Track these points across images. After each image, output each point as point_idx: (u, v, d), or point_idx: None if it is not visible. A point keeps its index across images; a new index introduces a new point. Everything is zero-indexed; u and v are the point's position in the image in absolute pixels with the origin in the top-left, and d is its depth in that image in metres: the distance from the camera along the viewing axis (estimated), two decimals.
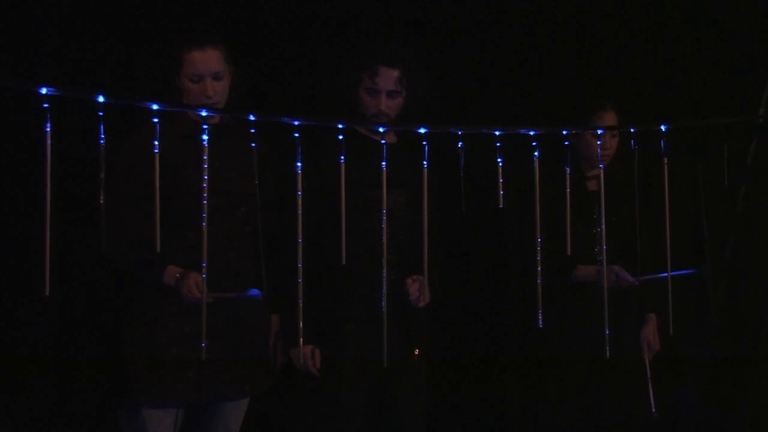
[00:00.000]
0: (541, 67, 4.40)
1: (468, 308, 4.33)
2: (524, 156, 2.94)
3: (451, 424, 4.35)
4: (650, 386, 3.84)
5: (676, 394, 4.26)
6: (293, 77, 4.14)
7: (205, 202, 2.74)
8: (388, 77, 3.45)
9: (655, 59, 4.44)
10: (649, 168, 3.39)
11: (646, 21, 4.42)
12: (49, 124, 2.34)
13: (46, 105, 2.33)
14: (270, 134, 3.26)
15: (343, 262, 2.82)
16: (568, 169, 3.00)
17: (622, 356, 3.77)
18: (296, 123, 2.68)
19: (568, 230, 3.02)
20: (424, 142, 2.81)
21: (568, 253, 3.05)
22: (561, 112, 4.12)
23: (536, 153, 2.90)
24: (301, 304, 2.85)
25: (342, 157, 2.74)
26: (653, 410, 3.82)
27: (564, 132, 3.01)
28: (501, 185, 2.86)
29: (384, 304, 2.99)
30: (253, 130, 2.73)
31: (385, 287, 3.04)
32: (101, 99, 2.42)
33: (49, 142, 2.35)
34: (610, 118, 3.80)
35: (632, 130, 3.12)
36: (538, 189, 2.94)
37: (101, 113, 2.43)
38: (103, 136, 2.44)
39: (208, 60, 3.26)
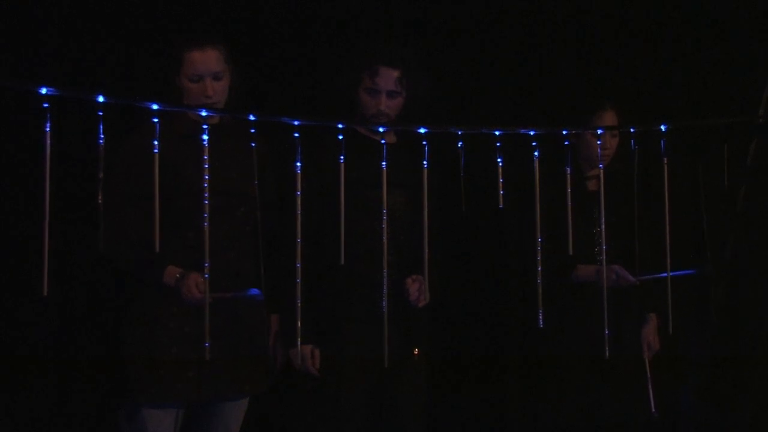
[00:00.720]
0: (541, 67, 4.40)
1: (468, 308, 4.33)
2: (524, 156, 2.94)
3: (451, 424, 4.35)
4: (650, 386, 3.85)
5: (676, 394, 4.26)
6: (293, 77, 4.14)
7: (205, 202, 2.74)
8: (388, 77, 3.45)
9: (655, 59, 4.44)
10: (649, 168, 3.39)
11: (646, 21, 4.42)
12: (49, 124, 2.34)
13: (46, 105, 2.33)
14: (270, 134, 3.26)
15: (343, 262, 2.82)
16: (568, 169, 3.00)
17: (622, 356, 3.77)
18: (296, 123, 2.68)
19: (570, 230, 3.02)
20: (424, 142, 2.81)
21: (570, 252, 3.05)
22: (561, 112, 4.12)
23: (536, 153, 2.90)
24: (300, 304, 2.85)
25: (342, 157, 2.74)
26: (653, 410, 3.82)
27: (564, 132, 3.01)
28: (501, 185, 2.86)
29: (384, 304, 2.99)
30: (253, 130, 2.73)
31: (385, 287, 3.04)
32: (101, 99, 2.42)
33: (49, 142, 2.35)
34: (610, 118, 3.80)
35: (632, 130, 3.12)
36: (538, 189, 2.94)
37: (101, 113, 2.43)
38: (102, 136, 2.44)
39: (208, 60, 3.26)
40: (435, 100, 3.62)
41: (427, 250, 2.92)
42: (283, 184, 3.36)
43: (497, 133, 2.85)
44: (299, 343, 3.08)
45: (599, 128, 3.62)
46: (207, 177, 2.69)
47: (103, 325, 3.78)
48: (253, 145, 2.89)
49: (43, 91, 2.32)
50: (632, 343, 3.87)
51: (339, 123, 2.75)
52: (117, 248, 3.20)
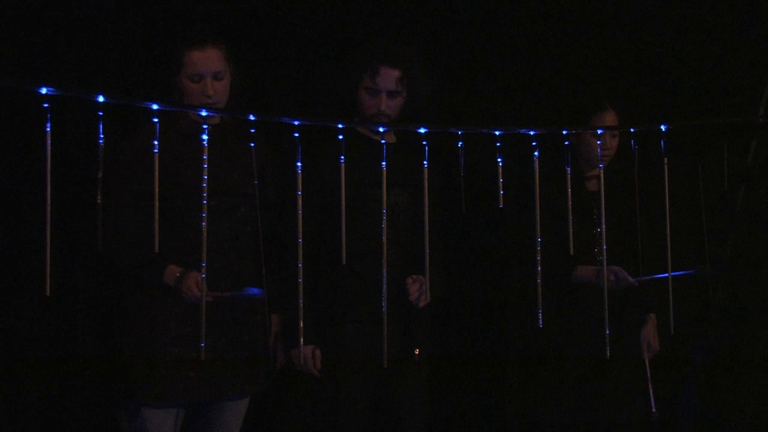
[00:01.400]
0: (541, 67, 4.40)
1: (468, 308, 4.33)
2: (524, 156, 2.94)
3: (451, 424, 4.35)
4: (650, 386, 3.85)
5: (676, 394, 4.26)
6: (293, 77, 4.14)
7: (205, 202, 2.74)
8: (389, 77, 3.45)
9: (655, 59, 4.44)
10: (649, 168, 3.39)
11: (646, 21, 4.42)
12: (49, 124, 2.34)
13: (46, 105, 2.33)
14: (270, 134, 3.26)
15: (343, 262, 2.82)
16: (568, 169, 3.00)
17: (622, 356, 3.77)
18: (296, 123, 2.68)
19: (570, 230, 3.02)
20: (424, 142, 2.81)
21: (571, 252, 3.05)
22: (561, 112, 4.12)
23: (536, 153, 2.90)
24: (301, 304, 2.85)
25: (342, 157, 2.74)
26: (653, 410, 3.82)
27: (564, 132, 3.01)
28: (501, 185, 2.86)
29: (384, 304, 2.99)
30: (253, 130, 2.73)
31: (385, 287, 3.04)
32: (101, 99, 2.42)
33: (49, 142, 2.35)
34: (610, 118, 3.81)
35: (632, 130, 3.12)
36: (538, 189, 2.94)
37: (101, 113, 2.43)
38: (102, 136, 2.44)
39: (208, 59, 3.26)
40: (435, 100, 3.62)
41: (427, 250, 2.92)
42: (283, 184, 3.36)
43: (497, 133, 2.85)
44: (301, 343, 3.08)
45: (599, 128, 3.62)
46: (207, 177, 2.69)
47: (103, 325, 3.78)
48: (253, 145, 2.89)
49: (43, 91, 2.32)
50: (632, 344, 3.87)
51: (339, 123, 2.75)
52: (117, 248, 3.20)
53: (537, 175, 2.92)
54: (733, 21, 4.39)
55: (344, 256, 2.80)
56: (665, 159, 3.03)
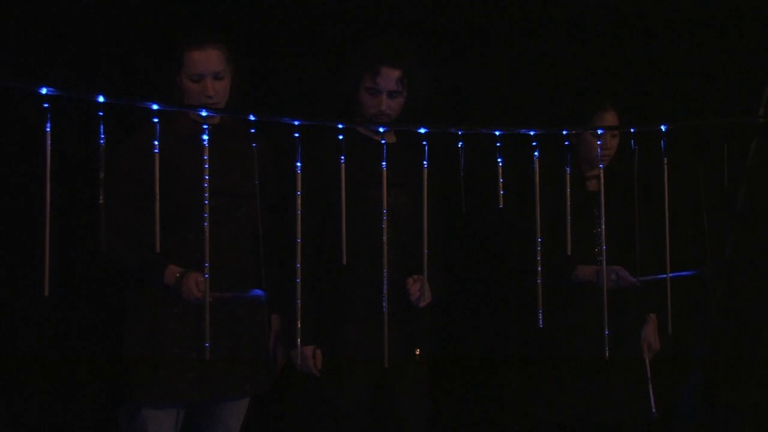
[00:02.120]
0: (541, 67, 4.40)
1: (468, 308, 4.33)
2: (524, 156, 2.94)
3: (451, 424, 4.35)
4: (650, 386, 3.85)
5: (676, 394, 4.26)
6: (293, 77, 4.14)
7: (206, 202, 2.74)
8: (389, 77, 3.45)
9: (655, 59, 4.44)
10: (649, 168, 3.39)
11: (646, 21, 4.42)
12: (49, 124, 2.34)
13: (46, 105, 2.33)
14: (270, 134, 3.26)
15: (344, 262, 2.82)
16: (568, 169, 3.00)
17: (623, 356, 3.77)
18: (296, 123, 2.68)
19: (569, 230, 3.02)
20: (424, 142, 2.81)
21: (569, 253, 3.05)
22: (561, 112, 4.12)
23: (536, 153, 2.90)
24: (300, 304, 2.85)
25: (342, 157, 2.74)
26: (653, 410, 3.82)
27: (564, 132, 3.01)
28: (501, 185, 2.86)
29: (384, 304, 2.99)
30: (253, 130, 2.73)
31: (385, 287, 3.04)
32: (101, 99, 2.42)
33: (49, 142, 2.35)
34: (610, 118, 3.80)
35: (632, 130, 3.12)
36: (538, 189, 2.94)
37: (101, 113, 2.43)
38: (103, 136, 2.45)
39: (208, 59, 3.25)
40: (435, 100, 3.62)
41: (427, 250, 2.92)
42: (283, 184, 3.36)
43: (497, 133, 2.85)
44: (299, 343, 3.08)
45: (599, 128, 3.62)
46: (207, 177, 2.69)
47: (103, 325, 3.78)
48: (254, 145, 2.89)
49: (43, 91, 2.33)
50: (632, 344, 3.87)
51: (339, 123, 2.75)
52: (118, 248, 3.20)
53: (537, 175, 2.92)
54: (733, 21, 4.39)
55: (344, 256, 2.80)
56: (665, 159, 3.03)
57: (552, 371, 3.83)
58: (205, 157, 2.67)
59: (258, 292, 3.20)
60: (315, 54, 4.15)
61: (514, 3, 4.36)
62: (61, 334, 3.80)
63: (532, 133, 2.90)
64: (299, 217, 2.77)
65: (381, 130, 3.06)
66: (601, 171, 3.14)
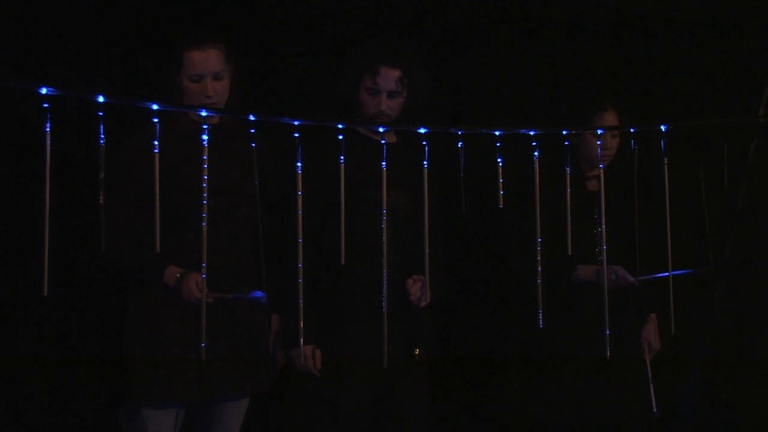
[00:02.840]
0: (541, 67, 4.40)
1: (468, 308, 4.33)
2: (524, 156, 2.94)
3: (451, 424, 4.35)
4: (651, 386, 3.85)
5: (676, 394, 4.26)
6: (293, 77, 4.14)
7: (205, 202, 2.74)
8: (389, 77, 3.45)
9: (655, 59, 4.44)
10: (649, 168, 3.39)
11: (646, 21, 4.42)
12: (49, 124, 2.34)
13: (46, 105, 2.33)
14: (270, 134, 3.26)
15: (343, 262, 2.81)
16: (568, 169, 3.00)
17: (623, 356, 3.77)
18: (296, 123, 2.68)
19: (569, 230, 3.02)
20: (424, 142, 2.81)
21: (569, 253, 3.05)
22: (561, 112, 4.12)
23: (536, 153, 2.90)
24: (301, 304, 2.85)
25: (342, 157, 2.74)
26: (654, 410, 3.82)
27: (564, 132, 3.01)
28: (501, 185, 2.86)
29: (384, 304, 2.99)
30: (253, 130, 2.73)
31: (385, 287, 3.04)
32: (101, 99, 2.42)
33: (49, 142, 2.35)
34: (610, 118, 3.80)
35: (632, 130, 3.12)
36: (538, 189, 2.94)
37: (101, 113, 2.43)
38: (103, 136, 2.44)
39: (208, 59, 3.25)
40: (435, 100, 3.62)
41: (428, 250, 2.92)
42: (283, 184, 3.36)
43: (497, 133, 2.85)
44: (301, 343, 3.08)
45: (599, 128, 3.61)
46: (207, 177, 2.69)
47: (103, 325, 3.78)
48: (254, 145, 2.88)
49: (43, 91, 2.32)
50: (633, 344, 3.87)
51: (339, 123, 2.75)
52: (118, 249, 3.20)
53: (537, 175, 2.92)
54: (733, 21, 4.39)
55: (343, 256, 2.80)
56: (665, 159, 3.03)
57: (552, 371, 3.83)
58: (205, 157, 2.66)
59: (259, 293, 3.20)
60: (315, 54, 4.15)
61: (514, 3, 4.35)
62: (61, 334, 3.80)
63: (532, 133, 2.90)
64: (299, 217, 2.77)
65: (381, 130, 3.06)
66: (601, 171, 3.14)
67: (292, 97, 4.12)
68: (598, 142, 3.41)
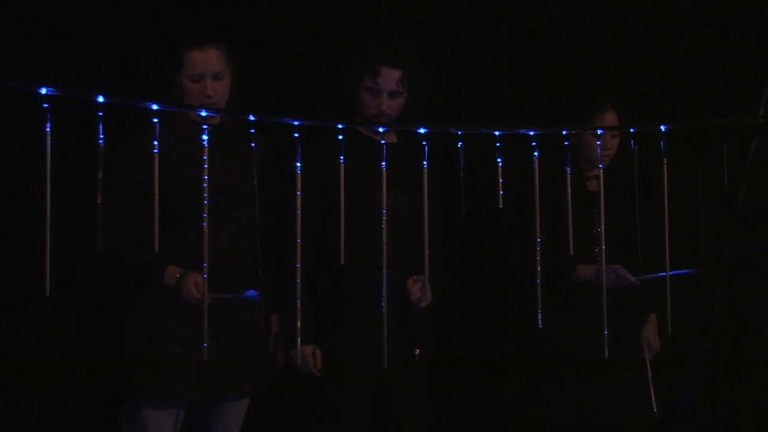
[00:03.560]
0: (541, 67, 4.40)
1: (468, 308, 4.33)
2: (524, 156, 2.94)
3: (451, 424, 4.35)
4: (651, 386, 3.84)
5: (676, 394, 4.26)
6: (293, 77, 4.14)
7: (205, 202, 2.74)
8: (390, 77, 3.45)
9: (655, 59, 4.44)
10: (649, 168, 3.39)
11: (646, 21, 4.42)
12: (49, 124, 2.34)
13: (46, 105, 2.33)
14: (270, 134, 3.26)
15: (342, 262, 2.81)
16: (568, 169, 3.00)
17: (623, 356, 3.77)
18: (296, 123, 2.68)
19: (570, 230, 3.02)
20: (424, 142, 2.81)
21: (571, 253, 3.05)
22: (561, 112, 4.12)
23: (536, 153, 2.90)
24: (300, 304, 2.85)
25: (342, 157, 2.74)
26: (654, 410, 3.82)
27: (564, 132, 3.01)
28: (501, 185, 2.86)
29: (384, 304, 2.99)
30: (253, 130, 2.73)
31: (385, 287, 3.04)
32: (101, 99, 2.42)
33: (49, 142, 2.35)
34: (610, 118, 3.80)
35: (632, 130, 3.12)
36: (538, 189, 2.94)
37: (101, 113, 2.42)
38: (102, 136, 2.44)
39: (208, 60, 3.25)
40: (435, 100, 3.62)
41: (428, 250, 2.92)
42: (283, 184, 3.35)
43: (497, 133, 2.85)
44: (299, 343, 3.08)
45: (599, 128, 3.61)
46: (207, 177, 2.69)
47: (103, 325, 3.78)
48: (253, 145, 2.88)
49: (43, 91, 2.32)
50: (633, 344, 3.87)
51: (339, 123, 2.75)
52: (117, 249, 3.20)
53: (537, 175, 2.92)
54: (733, 21, 4.39)
55: (343, 256, 2.80)
56: (665, 159, 3.03)
57: (552, 371, 3.83)
58: (205, 157, 2.66)
59: (252, 292, 3.20)
60: (315, 54, 4.15)
61: (514, 3, 4.35)
62: (61, 334, 3.80)
63: (532, 133, 2.89)
64: (299, 217, 2.76)
65: (381, 130, 3.06)
66: (601, 171, 3.13)
67: (292, 97, 4.12)
68: (598, 142, 3.41)
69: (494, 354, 4.28)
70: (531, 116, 4.23)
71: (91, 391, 3.84)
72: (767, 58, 4.27)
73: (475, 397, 4.40)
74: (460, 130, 2.83)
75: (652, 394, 3.83)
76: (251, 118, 2.68)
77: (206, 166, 2.67)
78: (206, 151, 2.65)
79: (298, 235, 2.77)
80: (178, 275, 3.17)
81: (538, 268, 2.99)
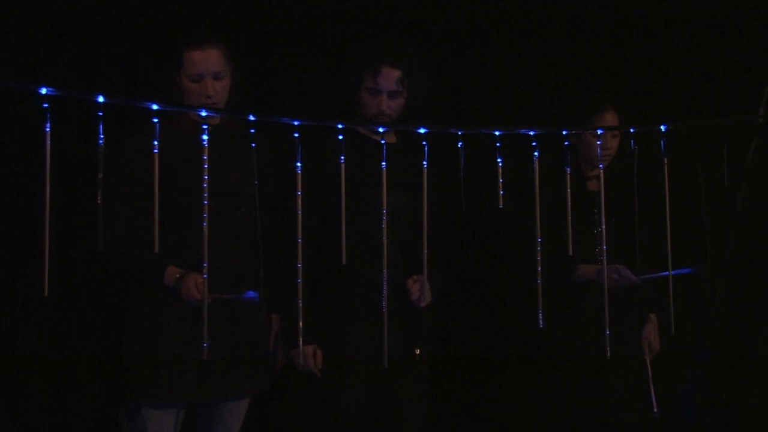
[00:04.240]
0: (541, 67, 4.40)
1: (468, 308, 4.33)
2: (524, 156, 2.94)
3: (451, 424, 4.35)
4: (651, 386, 3.84)
5: (676, 394, 4.26)
6: (293, 77, 4.14)
7: (205, 202, 2.74)
8: (390, 77, 3.45)
9: (655, 59, 4.44)
10: (649, 168, 3.39)
11: (646, 21, 4.42)
12: (49, 124, 2.34)
13: (46, 105, 2.33)
14: (270, 134, 3.26)
15: (343, 262, 2.81)
16: (568, 169, 3.00)
17: (624, 356, 3.77)
18: (296, 123, 2.68)
19: (569, 230, 3.01)
20: (424, 142, 2.81)
21: (570, 253, 3.05)
22: (561, 112, 4.12)
23: (536, 153, 2.90)
24: (301, 304, 2.85)
25: (342, 157, 2.74)
26: (655, 410, 3.82)
27: (564, 132, 3.01)
28: (501, 185, 2.86)
29: (384, 304, 2.98)
30: (253, 130, 2.73)
31: (385, 287, 3.04)
32: (101, 99, 2.42)
33: (48, 142, 2.35)
34: (610, 118, 3.80)
35: (632, 130, 3.12)
36: (538, 189, 2.94)
37: (101, 113, 2.42)
38: (103, 136, 2.44)
39: (208, 60, 3.25)
40: (435, 100, 3.62)
41: (427, 250, 2.92)
42: (283, 184, 3.35)
43: (497, 133, 2.85)
44: (301, 343, 3.08)
45: (599, 128, 3.61)
46: (207, 177, 2.69)
47: (103, 325, 3.78)
48: (254, 145, 2.88)
49: (43, 91, 2.32)
50: (633, 344, 3.87)
51: (339, 123, 2.75)
52: (117, 249, 3.20)
53: (537, 175, 2.92)
54: (733, 21, 4.39)
55: (344, 256, 2.80)
56: (665, 159, 3.03)
57: (552, 371, 3.83)
58: (205, 157, 2.66)
59: (251, 293, 3.20)
60: (315, 54, 4.15)
61: (514, 3, 4.35)
62: (61, 334, 3.80)
63: (532, 133, 2.89)
64: (299, 217, 2.76)
65: (381, 130, 3.06)
66: (601, 171, 3.14)
67: (292, 97, 4.12)
68: (598, 142, 3.41)
69: (494, 354, 4.28)
70: (531, 116, 4.24)
71: (91, 391, 3.84)
72: (767, 58, 4.27)
73: (475, 397, 4.40)
74: (460, 130, 2.83)
75: (653, 394, 3.83)
76: (251, 118, 2.68)
77: (206, 166, 2.67)
78: (206, 151, 2.65)
79: (299, 236, 2.77)
80: (178, 275, 3.17)
81: (539, 268, 2.99)
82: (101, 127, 2.43)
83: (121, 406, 3.36)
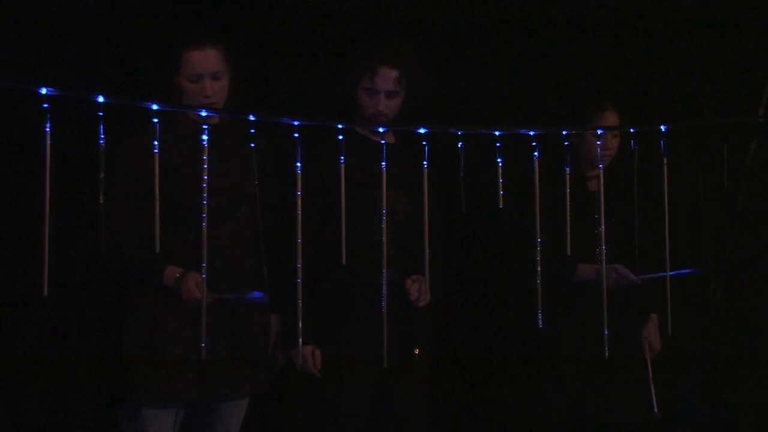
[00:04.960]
0: (541, 67, 4.40)
1: (468, 308, 4.33)
2: (524, 156, 2.94)
3: (451, 424, 4.35)
4: (652, 386, 3.84)
5: (676, 394, 4.26)
6: (293, 77, 4.14)
7: (205, 202, 2.74)
8: (387, 77, 3.45)
9: (655, 59, 4.44)
10: (649, 168, 3.39)
11: (646, 21, 4.42)
12: (49, 124, 2.34)
13: (46, 105, 2.33)
14: (270, 134, 3.26)
15: (343, 262, 2.81)
16: (568, 169, 3.00)
17: (624, 356, 3.77)
18: (296, 123, 2.68)
19: (569, 230, 3.02)
20: (424, 142, 2.81)
21: (568, 253, 3.05)
22: (561, 112, 4.12)
23: (536, 153, 2.90)
24: (300, 304, 2.85)
25: (342, 158, 2.74)
26: (655, 410, 3.82)
27: (564, 132, 3.01)
28: (501, 185, 2.86)
29: (383, 304, 2.98)
30: (253, 130, 2.73)
31: (385, 287, 3.04)
32: (101, 99, 2.42)
33: (48, 142, 2.35)
34: (610, 118, 3.80)
35: (632, 130, 3.12)
36: (538, 189, 2.94)
37: (101, 113, 2.42)
38: (102, 136, 2.44)
39: (206, 59, 3.25)
40: (435, 100, 3.62)
41: (427, 250, 2.92)
42: (283, 184, 3.35)
43: (497, 133, 2.85)
44: (300, 343, 3.08)
45: (599, 128, 3.61)
46: (207, 177, 2.69)
47: (103, 325, 3.78)
48: (253, 145, 2.88)
49: (43, 91, 2.32)
50: (633, 343, 3.87)
51: (339, 123, 2.75)
52: (117, 249, 3.20)
53: (537, 175, 2.92)
54: (733, 21, 4.39)
55: (344, 256, 2.80)
56: (665, 159, 3.03)
57: (552, 371, 3.83)
58: (205, 157, 2.66)
59: (258, 293, 3.20)
60: (315, 54, 4.15)
61: (514, 3, 4.35)
62: (61, 334, 3.80)
63: (532, 133, 2.90)
64: (299, 217, 2.76)
65: (381, 130, 3.06)
66: (601, 171, 3.14)
67: (292, 97, 4.12)
68: (598, 142, 3.41)
69: (494, 354, 4.28)
70: (531, 116, 4.23)
71: (91, 391, 3.84)
72: (767, 58, 4.27)
73: (475, 397, 4.40)
74: (460, 130, 2.83)
75: (653, 393, 3.83)
76: (251, 118, 2.68)
77: (206, 166, 2.67)
78: (206, 151, 2.66)
79: (299, 236, 2.77)
80: (177, 275, 3.17)
81: (539, 268, 2.99)
82: (101, 127, 2.43)
83: (121, 406, 3.36)
